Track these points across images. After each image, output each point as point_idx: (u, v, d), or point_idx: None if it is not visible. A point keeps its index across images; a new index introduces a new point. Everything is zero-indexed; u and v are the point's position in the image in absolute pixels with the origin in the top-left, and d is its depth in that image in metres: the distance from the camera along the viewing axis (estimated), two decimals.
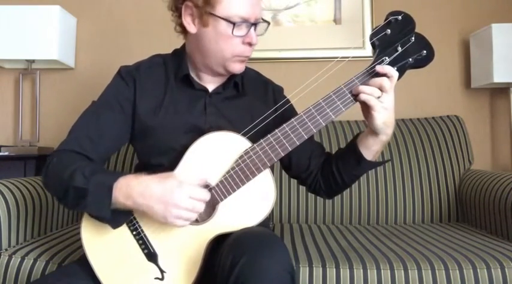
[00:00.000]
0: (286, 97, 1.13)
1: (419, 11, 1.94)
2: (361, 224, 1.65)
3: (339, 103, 0.91)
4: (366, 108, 0.90)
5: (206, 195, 0.87)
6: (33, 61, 1.96)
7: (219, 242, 0.89)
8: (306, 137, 0.92)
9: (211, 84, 1.07)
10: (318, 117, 0.91)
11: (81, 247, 0.94)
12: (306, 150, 1.07)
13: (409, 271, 1.09)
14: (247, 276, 0.75)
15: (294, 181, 1.63)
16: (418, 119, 1.85)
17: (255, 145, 0.92)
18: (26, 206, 1.31)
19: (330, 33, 2.04)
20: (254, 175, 0.91)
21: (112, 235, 0.92)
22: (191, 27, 1.00)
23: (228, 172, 0.91)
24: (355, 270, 1.10)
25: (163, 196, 0.84)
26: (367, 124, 0.95)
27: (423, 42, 0.91)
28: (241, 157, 0.92)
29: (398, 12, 0.91)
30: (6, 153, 1.84)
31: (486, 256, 1.13)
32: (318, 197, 1.66)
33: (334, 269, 1.10)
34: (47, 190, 0.99)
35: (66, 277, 0.90)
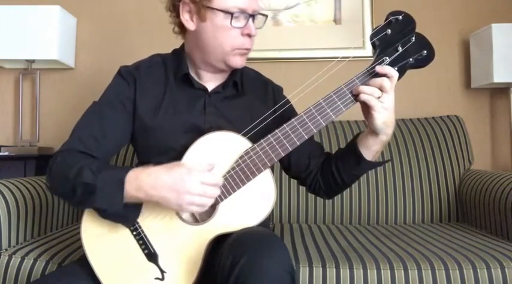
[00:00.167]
0: (285, 97, 1.13)
1: (420, 11, 1.93)
2: (361, 224, 1.65)
3: (339, 103, 0.91)
4: (366, 108, 0.90)
5: (217, 179, 0.88)
6: (33, 61, 1.96)
7: (219, 243, 0.89)
8: (306, 137, 0.92)
9: (211, 83, 1.07)
10: (318, 117, 0.91)
11: (81, 247, 0.94)
12: (305, 150, 1.07)
13: (409, 271, 1.09)
14: (247, 276, 0.75)
15: (294, 181, 1.63)
16: (418, 119, 1.85)
17: (255, 145, 0.92)
18: (26, 206, 1.31)
19: (330, 33, 2.04)
20: (254, 175, 0.91)
21: (112, 235, 0.92)
22: (190, 24, 1.01)
23: (228, 172, 0.91)
24: (355, 270, 1.10)
25: (174, 184, 0.84)
26: (367, 124, 0.95)
27: (423, 42, 0.91)
28: (241, 157, 0.92)
29: (398, 12, 0.91)
30: (6, 153, 1.84)
31: (486, 256, 1.13)
32: (318, 197, 1.66)
33: (334, 269, 1.10)
34: (51, 190, 0.98)
35: (66, 277, 0.90)
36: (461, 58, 2.03)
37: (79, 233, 0.94)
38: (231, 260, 0.77)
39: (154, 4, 1.63)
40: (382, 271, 1.09)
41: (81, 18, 2.09)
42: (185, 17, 1.01)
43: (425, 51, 0.91)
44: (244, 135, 0.94)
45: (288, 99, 1.09)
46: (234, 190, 0.91)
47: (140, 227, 0.92)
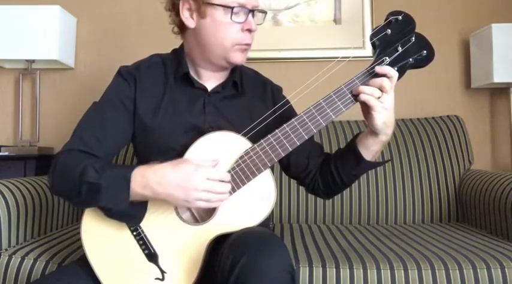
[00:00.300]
0: (284, 97, 1.14)
1: (420, 11, 1.93)
2: (361, 224, 1.65)
3: (339, 103, 0.91)
4: (366, 108, 0.90)
5: (223, 175, 0.88)
6: (33, 61, 1.96)
7: (219, 243, 0.89)
8: (306, 137, 0.92)
9: (210, 82, 1.07)
10: (318, 117, 0.91)
11: (81, 247, 0.94)
12: (304, 150, 1.07)
13: (409, 271, 1.09)
14: (247, 276, 0.75)
15: (294, 181, 1.62)
16: (418, 119, 1.85)
17: (255, 145, 0.92)
18: (26, 206, 1.31)
19: (330, 33, 2.04)
20: (254, 176, 0.91)
21: (112, 235, 0.92)
22: (190, 22, 1.01)
23: (228, 172, 0.91)
24: (355, 270, 1.10)
25: (181, 181, 0.84)
26: (367, 124, 0.95)
27: (423, 42, 0.91)
28: (241, 157, 0.92)
29: (398, 12, 0.91)
30: (6, 153, 1.84)
31: (486, 256, 1.13)
32: (317, 197, 1.67)
33: (334, 269, 1.10)
34: (54, 191, 0.98)
35: (66, 277, 0.90)
36: (461, 58, 2.03)
37: (79, 233, 0.94)
38: (231, 261, 0.77)
39: (154, 4, 1.63)
40: (382, 271, 1.09)
41: (81, 18, 2.09)
42: (185, 15, 1.01)
43: (425, 51, 0.91)
44: (244, 135, 0.94)
45: (287, 99, 1.09)
46: (234, 190, 0.91)
47: (140, 227, 0.92)
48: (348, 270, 1.10)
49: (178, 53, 1.09)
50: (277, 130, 0.92)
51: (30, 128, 2.08)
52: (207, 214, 0.93)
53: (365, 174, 1.64)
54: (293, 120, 0.92)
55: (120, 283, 0.91)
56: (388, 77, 0.88)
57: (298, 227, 1.58)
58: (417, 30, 0.91)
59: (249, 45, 1.02)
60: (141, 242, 0.91)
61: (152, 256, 0.91)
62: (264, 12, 1.05)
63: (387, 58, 0.91)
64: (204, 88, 1.05)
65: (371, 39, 0.92)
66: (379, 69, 0.89)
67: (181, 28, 1.06)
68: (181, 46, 1.10)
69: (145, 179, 0.85)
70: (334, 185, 1.07)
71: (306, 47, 2.04)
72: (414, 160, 1.72)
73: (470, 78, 1.98)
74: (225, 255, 0.80)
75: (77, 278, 0.90)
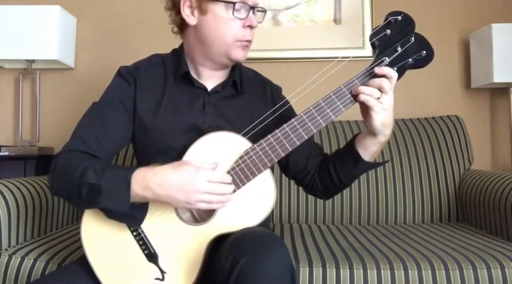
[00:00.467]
0: (284, 97, 1.14)
1: (419, 11, 1.95)
2: (361, 224, 1.65)
3: (339, 103, 0.91)
4: (365, 109, 0.90)
5: (223, 177, 0.88)
6: (33, 61, 1.96)
7: (219, 243, 0.89)
8: (306, 137, 0.92)
9: (210, 82, 1.07)
10: (318, 118, 0.91)
11: (81, 247, 0.94)
12: (304, 150, 1.07)
13: (409, 271, 1.09)
14: (247, 276, 0.75)
15: (294, 182, 1.63)
16: (418, 119, 1.85)
17: (255, 145, 0.92)
18: (26, 206, 1.31)
19: (330, 33, 2.04)
20: (254, 176, 0.91)
21: (112, 235, 0.92)
22: (191, 19, 1.01)
23: (228, 172, 0.91)
24: (355, 270, 1.10)
25: (182, 184, 0.84)
26: (366, 125, 0.95)
27: (423, 42, 0.91)
28: (241, 157, 0.92)
29: (398, 13, 0.91)
30: (6, 153, 1.84)
31: (486, 256, 1.13)
32: (316, 198, 1.67)
33: (334, 269, 1.10)
34: (54, 191, 0.98)
35: (66, 277, 0.90)
36: (461, 58, 2.03)
37: (79, 233, 0.94)
38: (231, 261, 0.77)
39: (154, 4, 1.64)
40: (382, 271, 1.09)
41: (81, 18, 2.09)
42: (186, 12, 1.01)
43: (424, 52, 0.91)
44: (243, 135, 0.94)
45: (286, 99, 1.09)
46: (234, 191, 0.91)
47: (140, 227, 0.92)
48: (348, 270, 1.10)
49: (178, 53, 1.09)
50: (277, 131, 0.92)
51: (30, 128, 2.08)
52: (207, 214, 0.93)
53: (365, 174, 1.65)
54: (293, 120, 0.92)
55: (120, 283, 0.91)
56: (387, 78, 0.88)
57: (298, 227, 1.58)
58: (417, 30, 0.91)
59: (250, 41, 1.03)
60: (141, 242, 0.91)
61: (152, 256, 0.91)
62: (264, 10, 1.06)
63: (387, 58, 0.91)
64: (204, 88, 1.05)
65: (370, 39, 0.92)
66: (378, 70, 0.89)
67: (182, 27, 1.06)
68: (181, 46, 1.10)
69: (146, 181, 0.85)
70: (332, 185, 1.07)
71: (306, 47, 2.04)
72: (414, 160, 1.72)
73: (470, 78, 1.98)
74: (225, 255, 0.80)
75: (77, 278, 0.90)
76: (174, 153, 0.97)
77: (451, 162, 1.73)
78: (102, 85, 1.08)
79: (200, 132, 0.96)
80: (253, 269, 0.75)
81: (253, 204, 0.92)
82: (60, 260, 1.16)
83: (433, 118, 1.85)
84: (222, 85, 1.07)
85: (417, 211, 1.67)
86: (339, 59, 1.07)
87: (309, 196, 1.67)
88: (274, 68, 2.00)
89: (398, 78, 0.91)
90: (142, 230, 0.92)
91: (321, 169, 1.09)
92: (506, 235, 1.35)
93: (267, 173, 0.93)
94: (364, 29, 2.01)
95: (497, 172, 1.53)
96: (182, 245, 0.91)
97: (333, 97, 0.91)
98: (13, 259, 1.17)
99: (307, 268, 1.11)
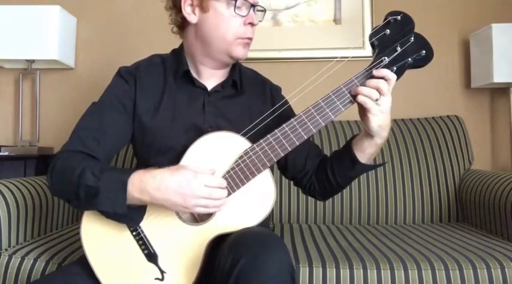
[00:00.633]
0: (283, 97, 1.14)
1: (419, 11, 1.94)
2: (361, 224, 1.65)
3: (338, 103, 0.91)
4: (363, 110, 0.90)
5: (220, 182, 0.89)
6: (33, 61, 1.96)
7: (219, 243, 0.89)
8: (305, 137, 0.92)
9: (210, 81, 1.07)
10: (318, 117, 0.91)
11: (81, 247, 0.94)
12: (302, 151, 1.07)
13: (409, 271, 1.09)
14: (247, 276, 0.75)
15: (292, 182, 1.63)
16: (418, 119, 1.85)
17: (254, 145, 0.92)
18: (26, 206, 1.31)
19: (330, 33, 2.04)
20: (254, 176, 0.91)
21: (112, 235, 0.92)
22: (192, 17, 1.01)
23: (227, 172, 0.91)
24: (355, 270, 1.10)
25: (180, 188, 0.84)
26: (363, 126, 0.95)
27: (422, 42, 0.91)
28: (241, 157, 0.92)
29: (397, 13, 0.91)
30: (6, 153, 1.84)
31: (486, 256, 1.13)
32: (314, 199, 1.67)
33: (334, 269, 1.10)
34: (53, 193, 0.98)
35: (66, 277, 0.90)
36: (461, 58, 2.03)
37: (79, 233, 0.94)
38: (231, 261, 0.77)
39: (154, 4, 1.65)
40: (382, 271, 1.09)
41: (81, 18, 2.09)
42: (187, 11, 1.02)
43: (424, 51, 0.91)
44: (243, 135, 0.94)
45: (286, 100, 1.09)
46: (234, 191, 0.91)
47: (140, 227, 0.92)
48: (348, 270, 1.10)
49: (178, 53, 1.09)
50: (276, 130, 0.92)
51: (30, 128, 2.08)
52: (207, 214, 0.93)
53: (365, 174, 1.65)
54: (292, 120, 0.92)
55: (120, 283, 0.91)
56: (386, 80, 0.88)
57: (298, 227, 1.58)
58: (417, 30, 0.91)
59: (250, 39, 1.03)
60: (140, 242, 0.91)
61: (152, 256, 0.91)
62: (264, 10, 1.06)
63: (386, 58, 0.90)
64: (204, 88, 1.05)
65: (370, 39, 0.92)
66: (376, 72, 0.89)
67: (182, 26, 1.06)
68: (181, 46, 1.11)
69: (143, 184, 0.85)
70: (329, 186, 1.06)
71: (306, 47, 2.04)
72: (414, 160, 1.72)
73: (470, 78, 1.98)
74: (224, 255, 0.80)
75: (76, 279, 0.90)
76: (174, 153, 0.97)
77: (451, 162, 1.73)
78: (102, 85, 1.08)
79: (200, 132, 0.96)
80: (253, 269, 0.75)
81: (253, 203, 0.92)
82: (60, 260, 1.16)
83: (433, 118, 1.85)
84: (222, 85, 1.07)
85: (417, 211, 1.67)
86: (338, 59, 1.07)
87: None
88: (274, 68, 2.00)
89: (398, 77, 0.91)
90: (142, 230, 0.92)
91: (318, 170, 1.09)
92: (506, 235, 1.35)
93: (267, 173, 0.93)
94: (364, 29, 2.01)
95: (497, 172, 1.53)
96: (182, 245, 0.91)
97: (333, 97, 0.91)
98: (13, 259, 1.18)
99: (307, 268, 1.11)
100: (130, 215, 0.89)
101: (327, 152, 1.18)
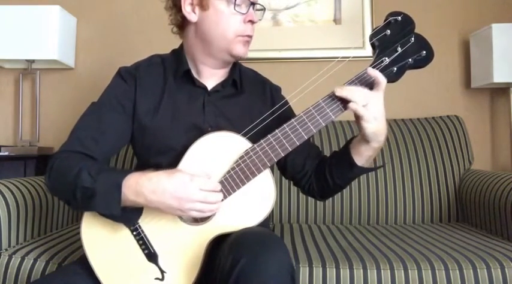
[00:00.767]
0: (283, 97, 1.14)
1: (419, 11, 1.94)
2: (361, 224, 1.65)
3: (338, 103, 0.91)
4: (357, 118, 0.89)
5: (215, 185, 0.89)
6: (33, 61, 1.96)
7: (219, 243, 0.89)
8: (306, 137, 0.92)
9: (210, 81, 1.07)
10: (318, 117, 0.91)
11: (81, 247, 0.94)
12: (302, 151, 1.06)
13: (409, 271, 1.09)
14: (247, 276, 0.75)
15: (291, 182, 1.63)
16: (418, 119, 1.85)
17: (255, 145, 0.92)
18: (26, 206, 1.31)
19: (330, 33, 2.04)
20: (254, 176, 0.91)
21: (112, 235, 0.92)
22: (192, 16, 1.02)
23: (228, 172, 0.91)
24: (355, 270, 1.10)
25: (176, 191, 0.84)
26: None
27: (423, 43, 0.91)
28: (241, 157, 0.92)
29: (397, 13, 0.91)
30: (6, 153, 1.84)
31: (486, 256, 1.13)
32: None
33: (334, 269, 1.10)
34: (52, 192, 0.98)
35: (66, 277, 0.90)
36: (461, 58, 2.03)
37: (79, 233, 0.94)
38: (231, 261, 0.77)
39: (154, 4, 1.65)
40: (382, 271, 1.09)
41: (81, 18, 2.09)
42: (187, 9, 1.02)
43: (424, 52, 0.91)
44: (243, 135, 0.94)
45: (286, 100, 1.09)
46: (234, 191, 0.91)
47: (140, 227, 0.92)
48: (348, 270, 1.10)
49: (178, 53, 1.09)
50: (276, 131, 0.92)
51: (30, 128, 2.08)
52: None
53: (365, 174, 1.64)
54: (293, 120, 0.92)
55: (120, 283, 0.91)
56: (376, 82, 0.88)
57: (298, 227, 1.58)
58: (417, 30, 0.91)
59: (250, 37, 1.03)
60: (140, 242, 0.91)
61: (152, 256, 0.91)
62: (263, 8, 1.07)
63: (387, 58, 0.90)
64: (204, 87, 1.05)
65: (370, 39, 0.92)
66: (370, 71, 0.88)
67: (182, 25, 1.06)
68: (181, 46, 1.11)
69: (139, 186, 0.85)
70: (327, 187, 1.06)
71: (306, 47, 2.04)
72: (414, 160, 1.72)
73: (470, 78, 1.98)
74: (224, 255, 0.80)
75: (76, 278, 0.90)
76: (174, 153, 0.97)
77: (451, 162, 1.73)
78: (102, 85, 1.08)
79: (200, 132, 0.96)
80: (253, 269, 0.75)
81: (253, 203, 0.92)
82: (60, 260, 1.16)
83: (433, 118, 1.85)
84: (222, 84, 1.07)
85: (417, 211, 1.67)
86: (339, 59, 1.07)
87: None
88: (274, 68, 2.00)
89: (398, 78, 0.91)
90: (142, 230, 0.92)
91: (317, 171, 1.08)
92: (506, 235, 1.35)
93: (267, 173, 0.93)
94: (364, 29, 2.01)
95: (497, 172, 1.53)
96: (182, 245, 0.91)
97: (333, 97, 0.91)
98: (13, 259, 1.18)
99: (307, 268, 1.11)
100: (125, 215, 0.89)
101: (327, 152, 1.18)
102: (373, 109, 0.87)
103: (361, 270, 1.10)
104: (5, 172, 1.78)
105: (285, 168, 1.13)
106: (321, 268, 1.11)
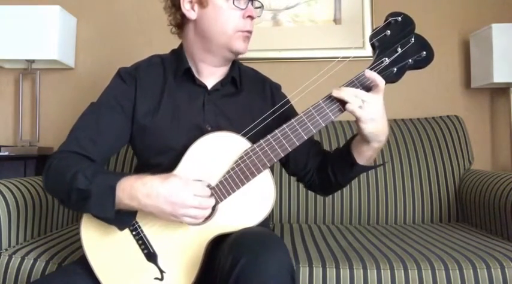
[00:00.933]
0: (283, 94, 1.14)
1: (419, 11, 1.95)
2: (361, 224, 1.65)
3: (338, 103, 0.91)
4: (356, 120, 0.90)
5: (208, 191, 0.89)
6: (33, 61, 1.96)
7: (218, 243, 0.89)
8: (305, 137, 0.92)
9: (210, 80, 1.07)
10: (318, 118, 0.91)
11: (81, 247, 0.94)
12: (304, 149, 1.06)
13: (409, 271, 1.09)
14: (247, 276, 0.75)
15: (294, 181, 1.63)
16: (418, 119, 1.85)
17: (254, 145, 0.92)
18: (26, 206, 1.31)
19: (330, 33, 2.04)
20: (254, 176, 0.91)
21: (112, 235, 0.92)
22: (191, 14, 1.02)
23: (227, 172, 0.91)
24: (355, 270, 1.10)
25: (170, 196, 0.84)
26: None
27: (423, 43, 0.91)
28: (241, 157, 0.92)
29: (398, 13, 0.91)
30: (6, 153, 1.84)
31: (486, 256, 1.13)
32: (318, 197, 1.67)
33: (334, 269, 1.10)
34: (48, 192, 0.99)
35: (66, 277, 0.90)
36: (461, 58, 2.03)
37: (79, 233, 0.94)
38: (231, 261, 0.77)
39: (154, 4, 1.64)
40: (382, 271, 1.09)
41: (81, 18, 2.09)
42: (186, 7, 1.02)
43: (424, 52, 0.91)
44: (244, 135, 0.94)
45: (286, 98, 1.09)
46: (234, 191, 0.91)
47: (140, 227, 0.92)
48: (348, 270, 1.10)
49: (178, 52, 1.09)
50: (276, 131, 0.92)
51: (30, 128, 2.08)
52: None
53: (365, 174, 1.65)
54: (292, 120, 0.92)
55: (120, 283, 0.91)
56: (373, 84, 0.88)
57: (298, 227, 1.58)
58: (417, 30, 0.91)
59: (250, 32, 1.03)
60: (140, 242, 0.92)
61: (151, 256, 0.91)
62: (261, 6, 1.07)
63: (387, 59, 0.90)
64: (204, 86, 1.05)
65: (371, 40, 0.92)
66: (368, 73, 0.88)
67: (181, 24, 1.06)
68: (181, 45, 1.11)
69: (134, 190, 0.85)
70: (329, 184, 1.07)
71: (306, 47, 2.04)
72: (414, 160, 1.72)
73: (470, 78, 1.98)
74: (224, 255, 0.81)
75: (76, 278, 0.90)
76: (174, 153, 0.97)
77: (451, 162, 1.73)
78: (102, 85, 1.08)
79: (200, 131, 0.96)
80: (253, 269, 0.75)
81: (253, 203, 0.92)
82: (60, 260, 1.16)
83: (433, 118, 1.85)
84: (221, 82, 1.07)
85: (417, 211, 1.67)
86: (339, 59, 1.07)
87: (309, 196, 1.67)
88: (274, 68, 1.99)
89: (399, 79, 0.91)
90: (141, 230, 0.92)
91: (319, 168, 1.09)
92: (506, 235, 1.35)
93: (267, 173, 0.93)
94: (364, 29, 2.01)
95: (497, 172, 1.53)
96: (181, 245, 0.91)
97: (332, 97, 0.91)
98: (13, 259, 1.18)
99: (307, 268, 1.11)
100: (120, 218, 0.89)
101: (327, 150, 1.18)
102: (369, 110, 0.87)
103: (361, 270, 1.10)
104: (5, 172, 1.78)
105: (287, 166, 1.14)
106: (321, 268, 1.11)
